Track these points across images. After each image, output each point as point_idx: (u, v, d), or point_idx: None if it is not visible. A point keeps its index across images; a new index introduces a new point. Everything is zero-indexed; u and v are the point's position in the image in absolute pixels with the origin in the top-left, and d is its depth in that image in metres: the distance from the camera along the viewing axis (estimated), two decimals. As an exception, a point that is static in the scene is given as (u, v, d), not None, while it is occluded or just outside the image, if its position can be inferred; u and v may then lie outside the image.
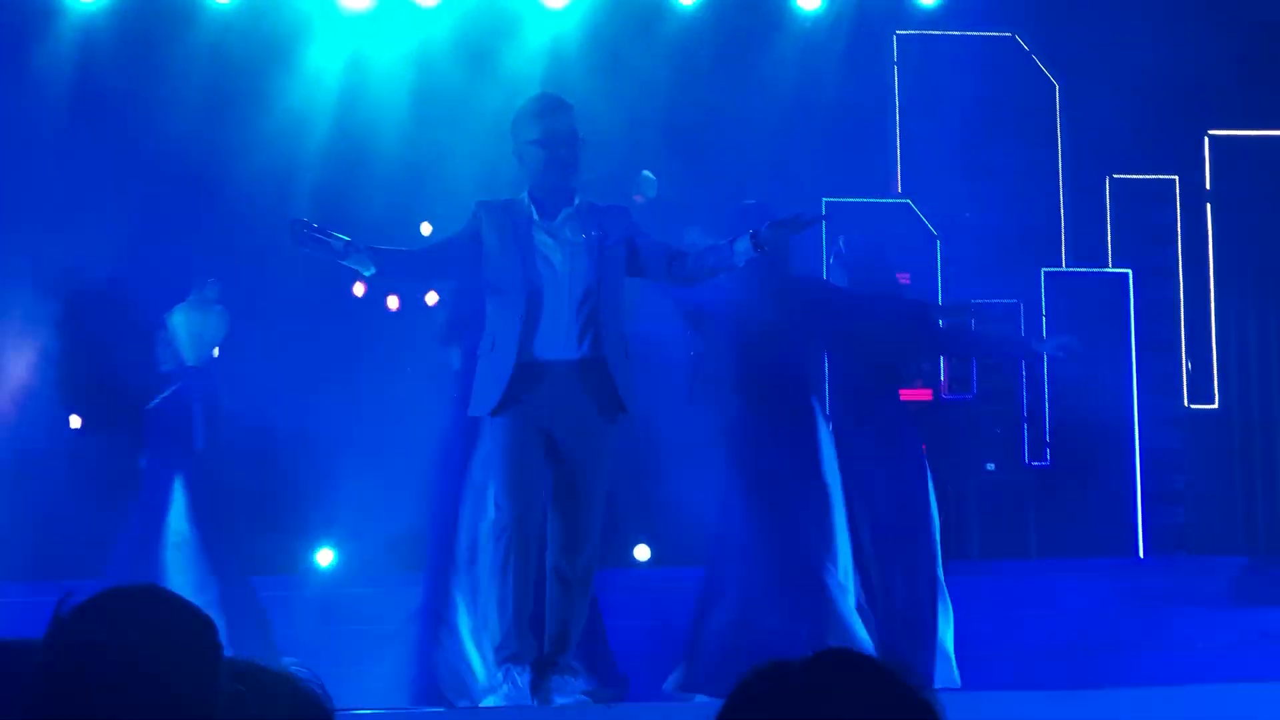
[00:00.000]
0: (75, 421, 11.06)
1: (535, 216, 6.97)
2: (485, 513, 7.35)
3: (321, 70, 10.99)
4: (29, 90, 10.81)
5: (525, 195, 7.04)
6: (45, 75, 10.88)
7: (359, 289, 11.09)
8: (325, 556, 10.90)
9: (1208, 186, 12.05)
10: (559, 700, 6.84)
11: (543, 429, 6.85)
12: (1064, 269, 11.78)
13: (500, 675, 6.93)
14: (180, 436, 9.10)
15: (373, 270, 6.89)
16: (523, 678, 6.83)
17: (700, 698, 7.35)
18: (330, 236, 6.79)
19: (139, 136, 10.72)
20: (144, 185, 10.69)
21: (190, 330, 9.19)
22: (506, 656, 6.88)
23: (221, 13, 11.03)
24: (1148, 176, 11.89)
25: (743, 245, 6.83)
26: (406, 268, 7.18)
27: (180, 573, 8.86)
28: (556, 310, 6.84)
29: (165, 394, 9.21)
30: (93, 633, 2.25)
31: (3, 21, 10.90)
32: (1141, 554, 11.39)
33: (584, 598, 6.94)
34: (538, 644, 6.89)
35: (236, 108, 10.87)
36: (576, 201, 7.02)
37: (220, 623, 8.23)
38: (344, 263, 6.86)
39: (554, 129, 6.98)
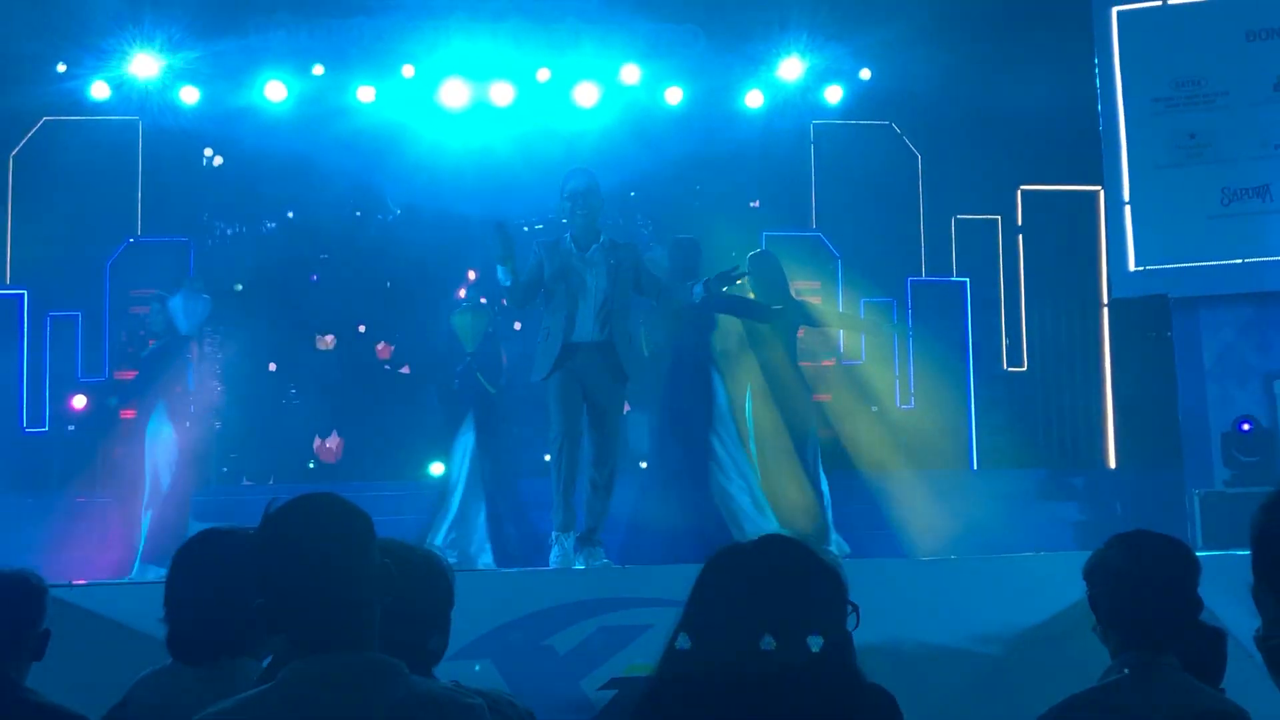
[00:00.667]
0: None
1: (574, 249, 7.01)
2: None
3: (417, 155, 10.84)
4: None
5: (568, 235, 7.07)
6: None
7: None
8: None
9: (1019, 223, 11.96)
10: (593, 564, 6.90)
11: (580, 384, 6.91)
12: (923, 278, 11.70)
13: (553, 539, 6.93)
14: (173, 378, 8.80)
15: (510, 281, 6.84)
16: (568, 542, 6.86)
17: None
18: (511, 244, 6.83)
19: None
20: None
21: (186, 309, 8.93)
22: (559, 524, 6.89)
23: (359, 108, 10.85)
24: (980, 216, 11.83)
25: (698, 288, 7.07)
26: (521, 287, 7.00)
27: None
28: (587, 310, 6.92)
29: (156, 348, 8.95)
30: (288, 526, 2.24)
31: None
32: (975, 466, 11.34)
33: (609, 495, 6.99)
34: (578, 517, 6.95)
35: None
36: (602, 239, 7.04)
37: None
38: (501, 265, 6.80)
39: (577, 188, 6.97)
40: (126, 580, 7.86)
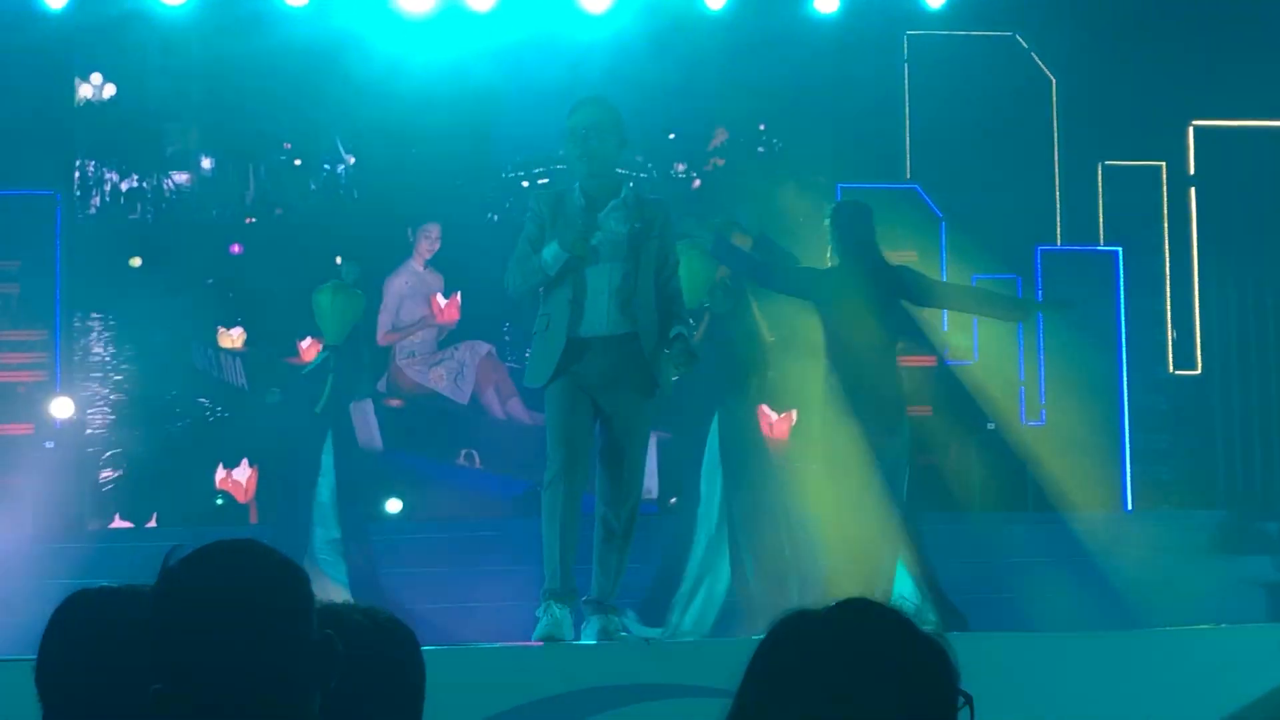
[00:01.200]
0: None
1: (584, 207, 6.92)
2: None
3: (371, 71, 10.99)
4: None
5: (576, 188, 7.01)
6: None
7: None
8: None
9: (1191, 172, 11.98)
10: (611, 638, 6.87)
11: (589, 396, 6.90)
12: (1059, 247, 11.74)
13: (540, 609, 6.89)
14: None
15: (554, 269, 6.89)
16: (561, 612, 6.82)
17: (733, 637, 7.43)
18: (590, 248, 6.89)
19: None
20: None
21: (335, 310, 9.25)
22: (551, 593, 6.85)
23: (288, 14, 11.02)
24: (1136, 163, 11.83)
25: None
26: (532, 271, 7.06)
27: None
28: (600, 291, 6.86)
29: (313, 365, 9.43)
30: (196, 582, 2.25)
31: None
32: (1129, 507, 11.36)
33: (628, 544, 6.98)
34: (576, 582, 6.94)
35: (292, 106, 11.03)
36: (624, 193, 6.98)
37: (339, 564, 8.34)
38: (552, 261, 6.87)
39: (583, 123, 6.94)
40: None
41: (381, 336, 11.54)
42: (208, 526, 10.48)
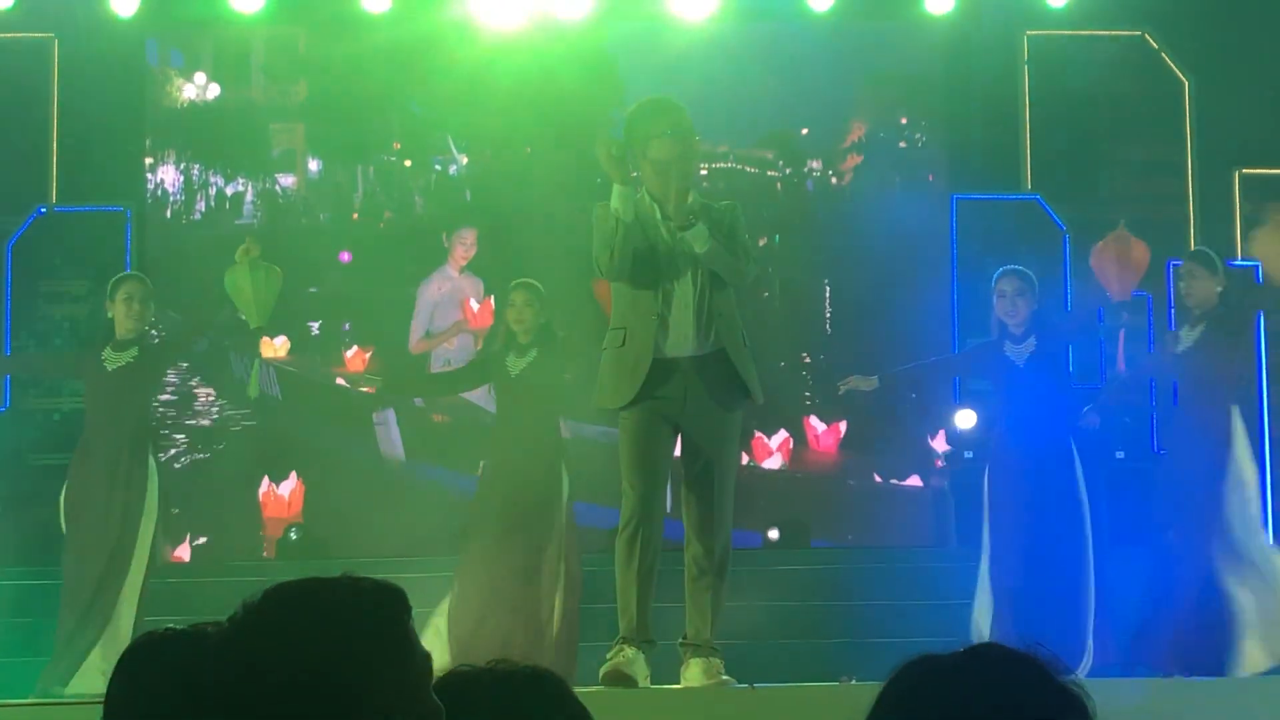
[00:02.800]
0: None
1: (659, 216, 6.87)
2: None
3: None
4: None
5: (647, 195, 6.92)
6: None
7: None
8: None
9: (1340, 180, 11.74)
10: (708, 680, 6.78)
11: (671, 423, 6.84)
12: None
13: (610, 651, 6.85)
14: None
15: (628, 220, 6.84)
16: (634, 654, 6.77)
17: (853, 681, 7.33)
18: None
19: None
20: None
21: None
22: (625, 640, 6.81)
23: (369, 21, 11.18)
24: (1277, 171, 11.66)
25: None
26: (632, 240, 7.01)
27: None
28: (683, 309, 6.82)
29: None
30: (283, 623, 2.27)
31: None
32: (1271, 540, 11.14)
33: (723, 583, 6.86)
34: (652, 635, 6.87)
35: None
36: (691, 199, 6.87)
37: None
38: (621, 187, 6.83)
39: (679, 124, 6.89)
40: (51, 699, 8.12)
41: (413, 344, 11.52)
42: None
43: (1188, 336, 8.64)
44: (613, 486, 7.19)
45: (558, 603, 8.48)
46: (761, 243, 11.33)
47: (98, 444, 8.60)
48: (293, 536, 10.92)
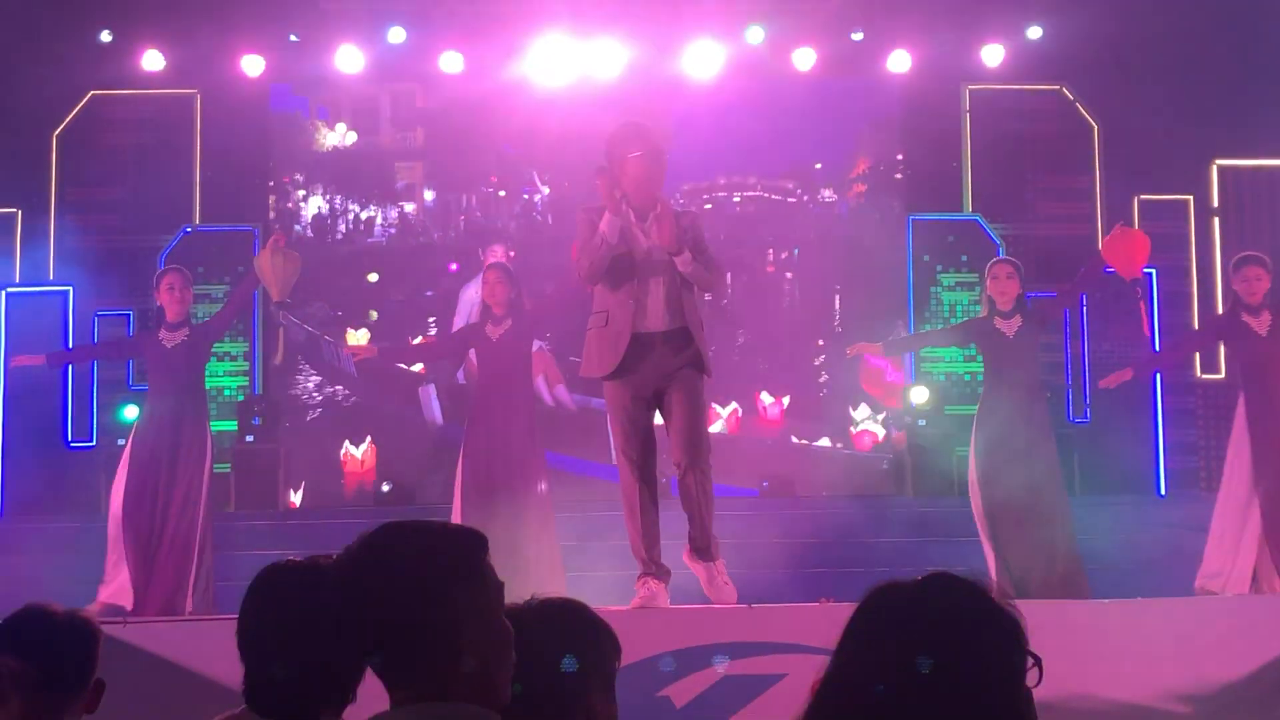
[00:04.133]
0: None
1: (633, 219, 6.64)
2: None
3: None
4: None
5: (625, 203, 6.61)
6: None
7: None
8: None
9: (1215, 204, 11.69)
10: (711, 584, 6.60)
11: (650, 388, 6.60)
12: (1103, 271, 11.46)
13: (639, 584, 6.62)
14: None
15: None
16: (657, 586, 6.57)
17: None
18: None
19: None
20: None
21: None
22: (649, 571, 6.58)
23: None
24: (1168, 196, 11.56)
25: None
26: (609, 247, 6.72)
27: None
28: (652, 292, 6.60)
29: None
30: (400, 554, 2.26)
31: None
32: (1163, 492, 11.15)
33: (708, 486, 6.60)
34: (662, 563, 6.64)
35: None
36: (659, 206, 6.55)
37: None
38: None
39: (650, 145, 6.61)
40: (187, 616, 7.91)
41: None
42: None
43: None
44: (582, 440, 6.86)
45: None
46: (784, 256, 11.45)
47: (162, 410, 8.18)
48: (384, 489, 10.78)
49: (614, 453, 6.80)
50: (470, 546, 2.27)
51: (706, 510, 6.57)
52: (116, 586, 8.03)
